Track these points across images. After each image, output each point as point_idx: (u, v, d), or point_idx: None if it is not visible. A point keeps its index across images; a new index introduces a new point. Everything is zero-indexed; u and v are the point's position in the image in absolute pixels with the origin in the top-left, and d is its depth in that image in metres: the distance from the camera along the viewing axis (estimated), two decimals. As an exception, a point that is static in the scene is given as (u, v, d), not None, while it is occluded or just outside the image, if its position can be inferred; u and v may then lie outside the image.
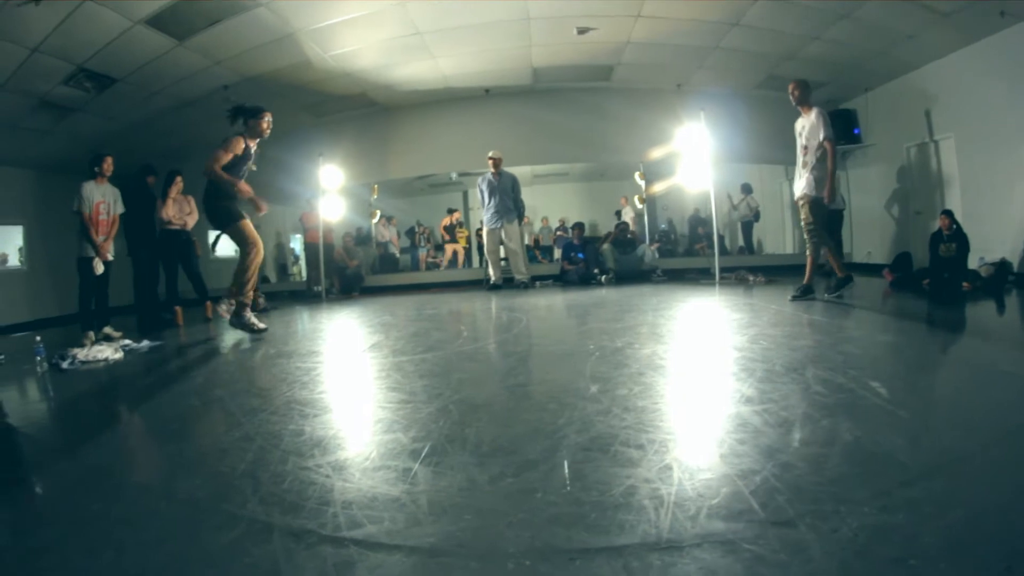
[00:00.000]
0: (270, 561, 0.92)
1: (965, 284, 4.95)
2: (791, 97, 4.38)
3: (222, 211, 3.80)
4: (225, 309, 3.86)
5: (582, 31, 6.05)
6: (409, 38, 6.00)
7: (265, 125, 3.84)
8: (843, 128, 7.75)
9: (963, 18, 5.36)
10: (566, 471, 1.17)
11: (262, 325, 3.81)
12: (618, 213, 9.01)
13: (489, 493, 1.10)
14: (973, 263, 5.25)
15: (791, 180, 8.90)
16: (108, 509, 1.21)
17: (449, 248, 9.44)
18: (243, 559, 0.93)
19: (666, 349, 2.52)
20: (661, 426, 1.44)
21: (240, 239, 3.82)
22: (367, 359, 2.77)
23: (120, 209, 4.75)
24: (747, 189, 8.69)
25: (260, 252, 3.84)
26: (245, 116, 3.81)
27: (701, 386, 1.89)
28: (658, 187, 8.16)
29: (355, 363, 2.71)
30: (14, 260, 8.11)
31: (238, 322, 3.76)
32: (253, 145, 3.84)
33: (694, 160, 6.55)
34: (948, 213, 5.41)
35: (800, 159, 4.40)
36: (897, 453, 1.22)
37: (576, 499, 1.04)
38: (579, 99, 8.05)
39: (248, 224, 3.83)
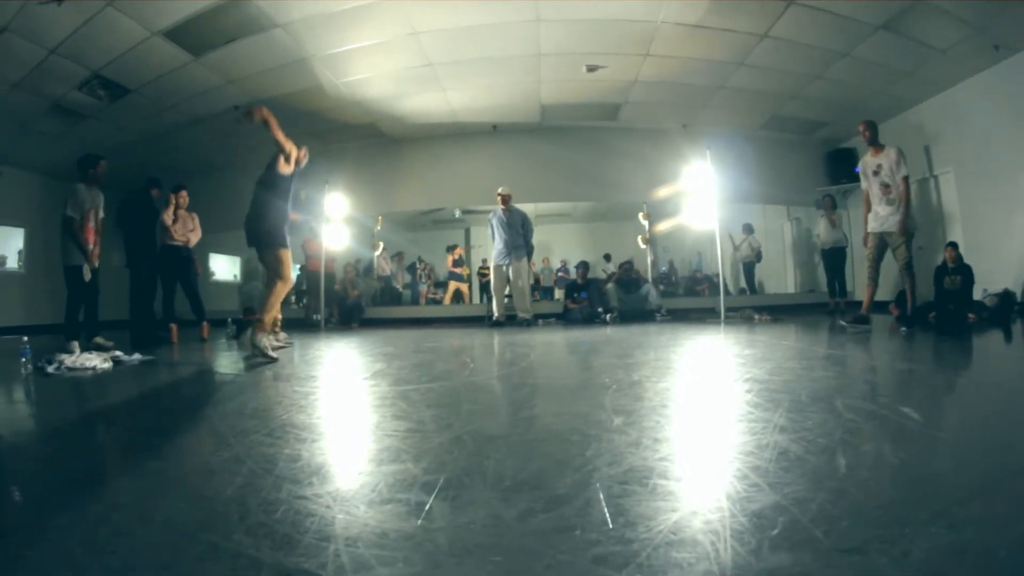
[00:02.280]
0: (258, 606, 0.76)
1: (971, 315, 4.91)
2: (862, 137, 4.59)
3: (275, 231, 3.67)
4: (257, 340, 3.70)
5: (592, 69, 6.15)
6: (421, 69, 6.08)
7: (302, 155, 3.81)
8: (844, 167, 7.87)
9: (959, 53, 5.50)
10: (604, 506, 1.02)
11: (273, 354, 3.57)
12: (607, 256, 9.03)
13: (519, 531, 0.95)
14: (977, 295, 5.27)
15: (794, 220, 9.04)
16: (72, 526, 1.04)
17: (452, 285, 9.30)
18: (225, 600, 0.78)
19: (685, 382, 2.40)
20: (697, 457, 1.34)
21: (277, 267, 3.70)
22: (369, 386, 2.61)
23: (103, 215, 4.61)
24: (748, 229, 8.73)
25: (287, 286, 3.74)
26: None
27: (730, 416, 1.78)
28: (661, 227, 8.16)
29: (356, 390, 2.56)
30: (13, 263, 8.03)
31: (252, 342, 3.55)
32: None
33: (699, 200, 6.57)
34: (953, 245, 5.45)
35: (881, 197, 4.51)
36: (946, 473, 1.21)
37: (621, 536, 0.90)
38: (585, 137, 8.14)
39: (289, 255, 3.72)
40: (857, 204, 7.83)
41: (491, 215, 6.90)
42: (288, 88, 6.31)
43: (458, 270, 9.34)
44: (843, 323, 4.42)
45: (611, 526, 0.94)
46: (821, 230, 7.44)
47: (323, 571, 0.84)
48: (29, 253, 8.11)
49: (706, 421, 1.76)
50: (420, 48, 5.62)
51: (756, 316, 5.99)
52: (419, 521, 1.00)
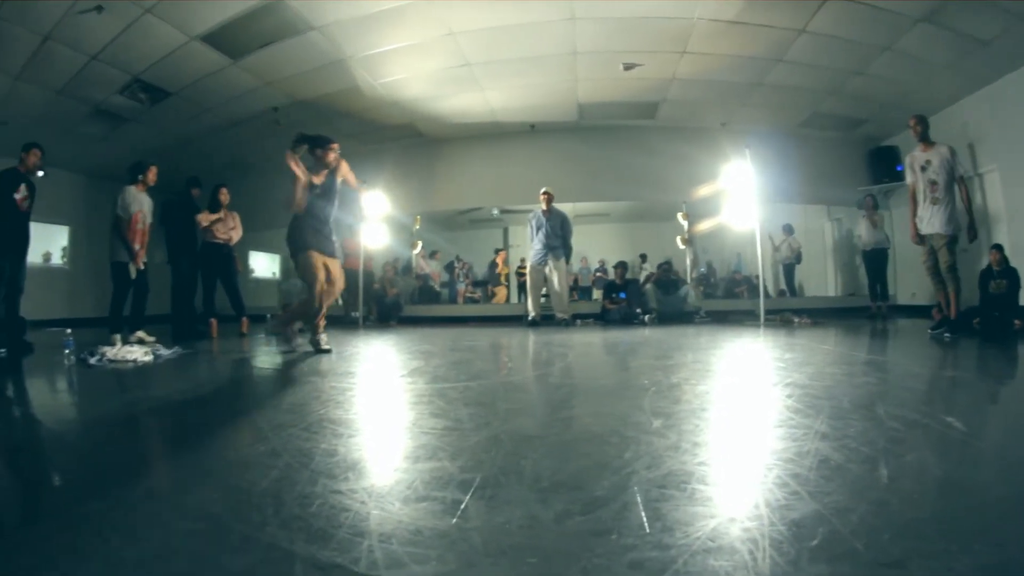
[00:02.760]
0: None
1: (1016, 322, 4.66)
2: (912, 132, 4.42)
3: (290, 239, 3.74)
4: (301, 342, 3.81)
5: (628, 67, 6.07)
6: (458, 69, 6.10)
7: (332, 157, 3.76)
8: (885, 166, 7.55)
9: (1002, 45, 5.23)
10: (642, 510, 1.00)
11: (327, 346, 3.70)
12: (643, 256, 8.89)
13: (555, 533, 0.93)
14: (1024, 300, 4.94)
15: (835, 220, 8.72)
16: (107, 512, 1.08)
17: (501, 291, 9.27)
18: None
19: (724, 385, 2.35)
20: (737, 463, 1.31)
21: (301, 271, 3.76)
22: (406, 384, 2.63)
23: (151, 219, 4.80)
24: (788, 230, 8.47)
25: (318, 288, 3.73)
26: (311, 144, 3.75)
27: (771, 422, 1.73)
28: (701, 227, 8.01)
29: (394, 387, 2.58)
30: (57, 259, 8.44)
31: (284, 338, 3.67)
32: (318, 180, 3.73)
33: (738, 200, 6.42)
34: (998, 248, 5.16)
35: (928, 195, 4.34)
36: (992, 487, 1.16)
37: (659, 541, 0.87)
38: (624, 136, 8.05)
39: (313, 257, 3.69)
40: (899, 204, 7.54)
41: (531, 215, 6.89)
42: (326, 89, 6.43)
43: (507, 271, 9.38)
44: (945, 336, 4.16)
45: (648, 531, 0.91)
46: (862, 231, 7.16)
47: (356, 566, 0.83)
48: (73, 249, 8.54)
49: (746, 426, 1.71)
50: (457, 48, 5.65)
51: (796, 319, 5.84)
52: (454, 520, 0.99)
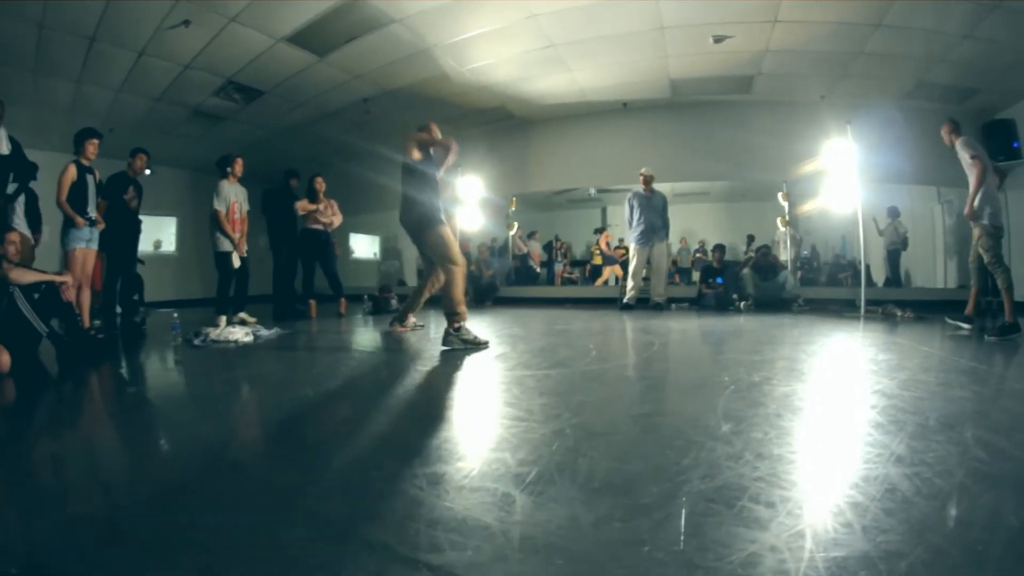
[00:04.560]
0: (336, 566, 0.87)
1: None
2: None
3: (427, 213, 3.49)
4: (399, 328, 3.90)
5: (718, 39, 5.69)
6: (543, 51, 6.04)
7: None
8: (1001, 141, 6.49)
9: None
10: (682, 523, 0.99)
11: (484, 339, 3.38)
12: (751, 237, 8.34)
13: (591, 537, 0.96)
14: None
15: (945, 203, 7.67)
16: (185, 481, 1.28)
17: (608, 270, 9.18)
18: (308, 559, 0.89)
19: (807, 389, 2.20)
20: (797, 481, 1.21)
21: (441, 249, 3.48)
22: (489, 370, 2.72)
23: (247, 207, 5.11)
24: (894, 212, 7.60)
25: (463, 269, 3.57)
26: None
27: (845, 436, 1.61)
28: (803, 208, 7.42)
29: (476, 373, 2.66)
30: (168, 246, 9.49)
31: (457, 339, 3.31)
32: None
33: (839, 179, 5.87)
34: None
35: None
36: None
37: (688, 560, 0.87)
38: (719, 113, 7.60)
39: (450, 233, 3.49)
40: (1016, 185, 6.47)
41: (630, 195, 6.72)
42: (413, 78, 6.61)
43: (613, 252, 9.27)
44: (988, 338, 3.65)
45: (682, 547, 0.90)
46: None
47: (400, 546, 0.92)
48: (180, 237, 9.61)
49: (817, 439, 1.60)
50: (540, 30, 5.59)
51: (899, 312, 5.28)
52: (500, 513, 1.05)
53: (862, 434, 1.56)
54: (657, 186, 6.74)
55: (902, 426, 1.59)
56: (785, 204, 7.29)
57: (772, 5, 4.99)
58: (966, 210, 4.02)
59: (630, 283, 6.60)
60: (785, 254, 7.46)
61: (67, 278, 3.34)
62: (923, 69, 6.07)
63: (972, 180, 3.98)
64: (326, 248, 5.84)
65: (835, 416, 1.85)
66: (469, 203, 7.43)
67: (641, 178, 6.57)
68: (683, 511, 1.04)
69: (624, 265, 7.54)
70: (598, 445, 1.49)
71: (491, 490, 1.16)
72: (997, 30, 5.07)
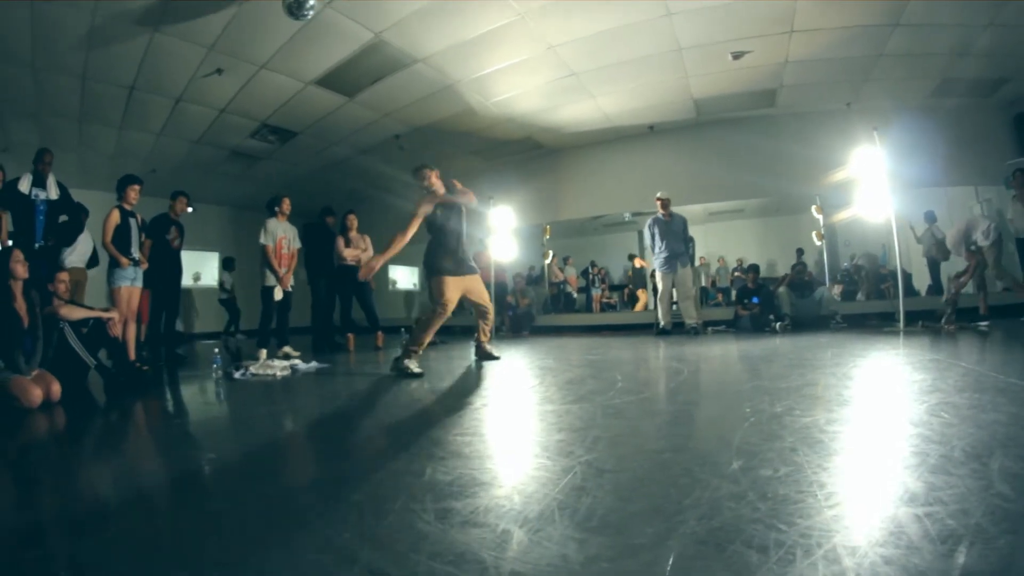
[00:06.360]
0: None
1: None
2: None
3: (426, 263, 3.97)
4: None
5: (737, 56, 5.72)
6: (565, 80, 6.19)
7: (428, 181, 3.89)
8: None
9: None
10: (668, 566, 1.02)
11: (418, 370, 3.72)
12: (800, 251, 8.14)
13: (577, 576, 1.00)
14: None
15: (983, 202, 7.29)
16: (218, 506, 1.43)
17: (643, 294, 9.19)
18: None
19: (829, 419, 2.14)
20: (796, 524, 1.17)
21: (432, 293, 3.90)
22: (515, 405, 2.80)
23: (297, 244, 5.42)
24: (930, 217, 7.35)
25: (445, 315, 3.87)
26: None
27: (858, 472, 1.55)
28: (837, 219, 7.24)
29: (501, 409, 2.72)
30: (209, 280, 9.99)
31: (398, 367, 3.75)
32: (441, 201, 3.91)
33: (871, 187, 5.72)
34: None
35: None
36: None
37: (664, 607, 0.89)
38: (746, 129, 7.58)
39: (445, 282, 3.84)
40: None
41: (649, 222, 6.75)
42: (441, 114, 6.86)
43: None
44: None
45: (661, 592, 0.93)
46: (1013, 214, 5.98)
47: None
48: (222, 272, 10.05)
49: (830, 476, 1.52)
50: (559, 60, 5.74)
51: (945, 327, 5.06)
52: (495, 552, 1.10)
53: (878, 469, 1.52)
54: (690, 207, 6.74)
55: (924, 458, 1.53)
56: (819, 217, 7.13)
57: (787, 15, 5.00)
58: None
59: (660, 310, 6.57)
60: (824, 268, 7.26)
61: (113, 314, 3.61)
62: (947, 65, 5.92)
63: None
64: (362, 283, 6.03)
65: (854, 449, 1.80)
66: (502, 233, 7.54)
67: (658, 202, 6.56)
68: (671, 555, 1.06)
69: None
70: (604, 483, 1.51)
71: (492, 527, 1.21)
72: (1021, 14, 4.90)
